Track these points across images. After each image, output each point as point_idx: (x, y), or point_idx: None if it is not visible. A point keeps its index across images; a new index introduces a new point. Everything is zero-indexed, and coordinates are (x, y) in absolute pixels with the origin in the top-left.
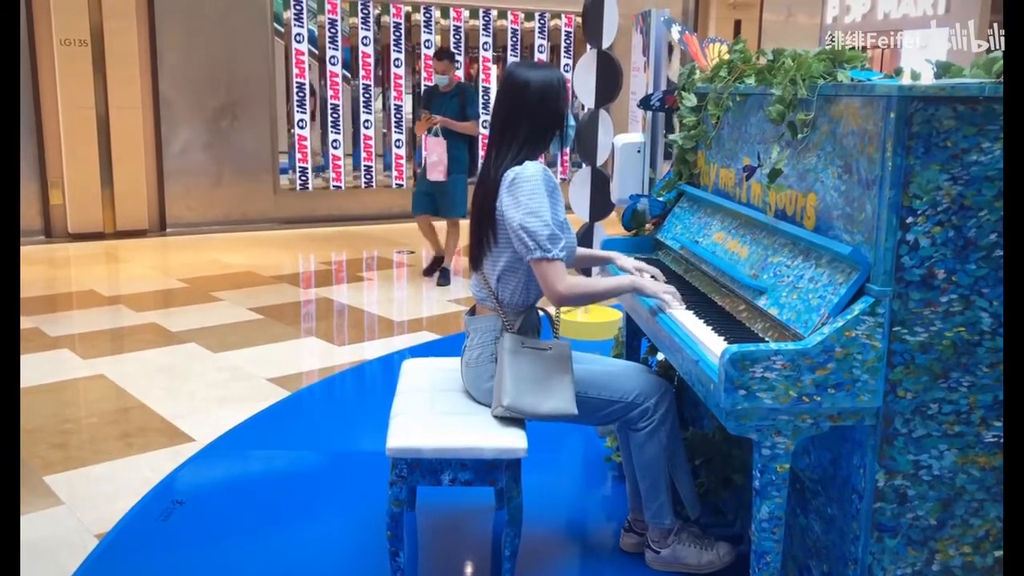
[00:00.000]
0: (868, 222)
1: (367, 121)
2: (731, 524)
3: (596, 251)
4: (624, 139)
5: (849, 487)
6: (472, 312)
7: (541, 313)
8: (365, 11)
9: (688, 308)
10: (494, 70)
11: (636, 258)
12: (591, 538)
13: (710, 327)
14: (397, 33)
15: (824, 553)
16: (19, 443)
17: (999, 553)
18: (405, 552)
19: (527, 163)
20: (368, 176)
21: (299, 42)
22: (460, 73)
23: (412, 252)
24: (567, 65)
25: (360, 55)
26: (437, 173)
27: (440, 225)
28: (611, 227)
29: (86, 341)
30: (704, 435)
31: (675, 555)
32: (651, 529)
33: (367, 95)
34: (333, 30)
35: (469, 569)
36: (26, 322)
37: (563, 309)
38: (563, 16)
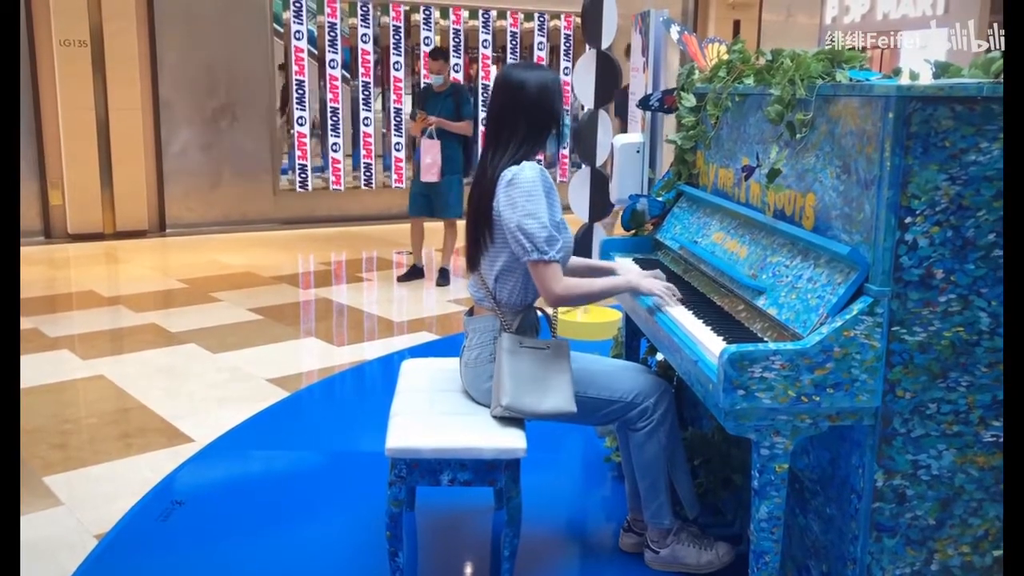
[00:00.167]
0: (867, 222)
1: (367, 119)
2: (730, 524)
3: (598, 262)
4: (623, 139)
5: (848, 487)
6: (470, 313)
7: (539, 313)
8: (364, 8)
9: (687, 308)
10: (494, 70)
11: (635, 259)
12: (590, 538)
13: (709, 327)
14: (396, 37)
15: (823, 553)
16: (19, 444)
17: (998, 553)
18: (404, 552)
19: (524, 164)
20: (368, 174)
21: (298, 39)
22: (460, 73)
23: (411, 252)
24: (567, 68)
25: (360, 53)
26: (431, 175)
27: (437, 226)
28: (610, 227)
29: (86, 342)
30: (703, 435)
31: (674, 555)
32: (650, 529)
33: (366, 92)
34: (332, 33)
35: (468, 569)
36: (26, 323)
37: (562, 309)
38: (562, 17)
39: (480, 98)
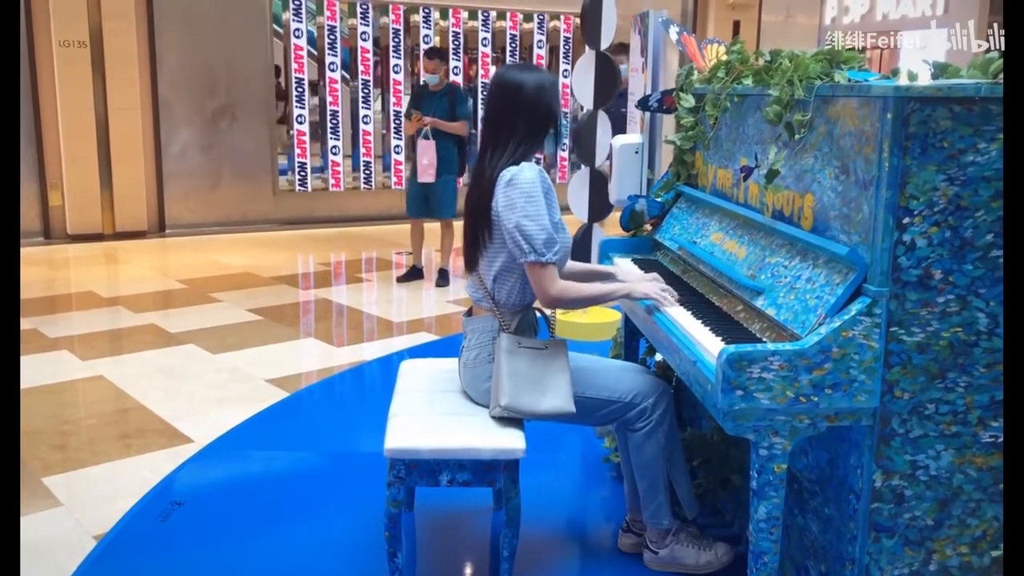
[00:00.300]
0: (865, 222)
1: (366, 116)
2: (729, 524)
3: (597, 266)
4: (622, 140)
5: (846, 487)
6: (469, 313)
7: (538, 314)
8: (364, 6)
9: (686, 308)
10: (493, 71)
11: (634, 259)
12: (589, 539)
13: (708, 327)
14: (396, 40)
15: (822, 553)
16: (19, 444)
17: (996, 553)
18: (403, 553)
19: (523, 164)
20: (368, 172)
21: (298, 37)
22: (460, 74)
23: (411, 253)
24: (566, 71)
25: (359, 51)
26: (427, 176)
27: (437, 227)
28: (609, 228)
29: (85, 342)
30: (702, 435)
31: (673, 555)
32: (649, 529)
33: (366, 90)
34: (332, 37)
35: (467, 570)
36: (25, 323)
37: (562, 310)
38: (561, 18)
39: (480, 98)
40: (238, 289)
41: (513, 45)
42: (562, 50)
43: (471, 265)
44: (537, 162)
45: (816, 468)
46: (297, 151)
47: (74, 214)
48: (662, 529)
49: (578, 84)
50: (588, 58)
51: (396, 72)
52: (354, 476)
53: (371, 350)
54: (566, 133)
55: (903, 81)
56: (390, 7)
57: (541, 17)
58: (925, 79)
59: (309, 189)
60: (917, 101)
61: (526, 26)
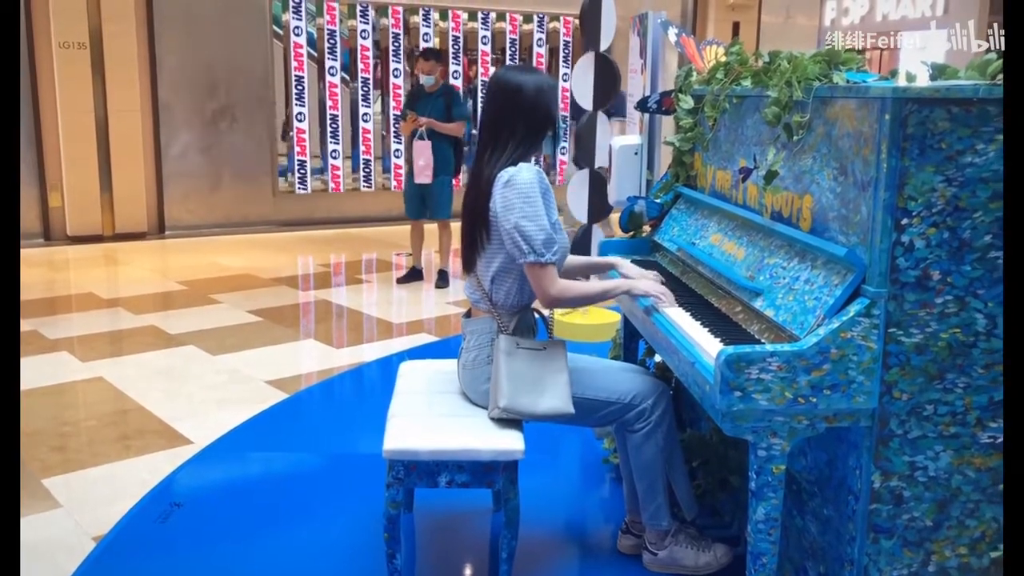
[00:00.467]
0: (863, 224)
1: (366, 115)
2: (728, 526)
3: (597, 259)
4: (621, 141)
5: (845, 488)
6: (468, 315)
7: (536, 315)
8: (364, 7)
9: (684, 309)
10: (492, 71)
11: (633, 260)
12: (588, 540)
13: (706, 328)
14: (396, 44)
15: (820, 554)
16: (19, 446)
17: (995, 554)
18: (402, 554)
19: (521, 165)
20: (367, 170)
21: (297, 35)
22: (460, 76)
23: (411, 254)
24: (566, 74)
25: (359, 49)
26: (424, 177)
27: (434, 228)
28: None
29: (85, 344)
30: (701, 436)
31: (672, 557)
32: (648, 531)
33: (365, 88)
34: (332, 41)
35: (466, 571)
36: (25, 325)
37: (562, 310)
38: (561, 19)
39: (479, 99)
40: (238, 290)
41: (513, 49)
42: (562, 53)
43: (468, 266)
44: (537, 163)
45: (815, 469)
46: (297, 149)
47: (74, 216)
48: (661, 530)
49: (577, 85)
50: (587, 59)
51: (396, 76)
52: (353, 477)
53: (371, 351)
54: (565, 136)
55: (901, 82)
56: (389, 8)
57: (541, 17)
58: (923, 80)
59: (309, 190)
60: (915, 102)
61: (525, 27)
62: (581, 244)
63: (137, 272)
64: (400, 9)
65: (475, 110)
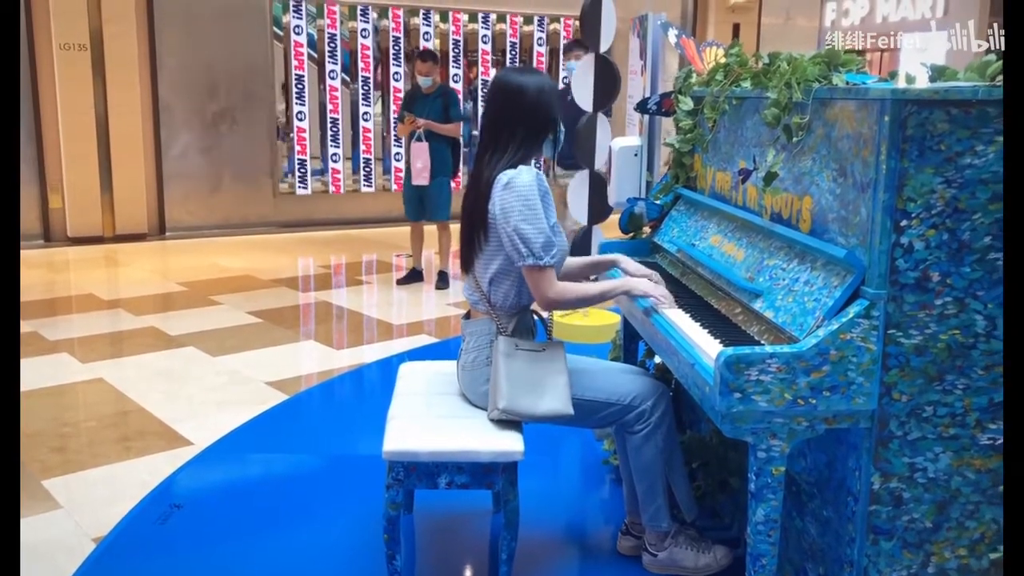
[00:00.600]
0: (863, 225)
1: (366, 114)
2: (728, 527)
3: (598, 257)
4: (621, 142)
5: (844, 490)
6: (468, 316)
7: (535, 316)
8: (364, 8)
9: (684, 311)
10: (493, 74)
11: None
12: (588, 541)
13: (706, 330)
14: (396, 47)
15: (820, 556)
16: (19, 447)
17: (995, 555)
18: (402, 555)
19: (521, 168)
20: (367, 172)
21: (298, 34)
22: (460, 78)
23: (411, 256)
24: (565, 78)
25: (359, 49)
26: (422, 178)
27: (434, 230)
28: (608, 230)
29: (85, 345)
30: (701, 438)
31: (672, 558)
32: (648, 532)
33: (366, 89)
34: (332, 44)
35: (466, 572)
36: (25, 326)
37: (562, 312)
38: (561, 20)
39: (480, 100)
40: (238, 292)
41: (513, 51)
42: (561, 54)
43: (467, 267)
44: (537, 166)
45: (814, 470)
46: (297, 148)
47: (74, 217)
48: (661, 531)
49: (577, 86)
50: (587, 61)
51: (396, 80)
52: (353, 478)
53: (371, 352)
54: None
55: (901, 84)
56: (390, 10)
57: (541, 19)
58: (923, 82)
59: (309, 191)
60: (914, 104)
61: (526, 29)
62: (581, 246)
63: (137, 273)
64: (400, 11)
65: (476, 112)
